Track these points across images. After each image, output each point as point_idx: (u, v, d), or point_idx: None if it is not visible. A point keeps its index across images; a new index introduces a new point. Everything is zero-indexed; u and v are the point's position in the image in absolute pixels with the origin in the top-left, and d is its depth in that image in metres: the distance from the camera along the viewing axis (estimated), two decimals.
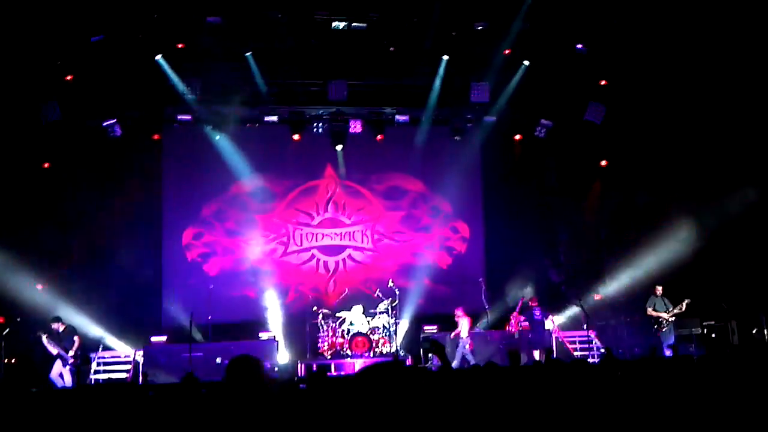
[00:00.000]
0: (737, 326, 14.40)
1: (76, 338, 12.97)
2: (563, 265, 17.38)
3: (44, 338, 12.55)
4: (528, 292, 15.68)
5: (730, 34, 13.56)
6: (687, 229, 15.07)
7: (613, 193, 16.58)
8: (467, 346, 14.27)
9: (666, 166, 15.37)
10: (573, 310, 15.61)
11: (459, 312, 14.81)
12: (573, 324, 15.80)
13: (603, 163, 16.97)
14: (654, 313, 14.42)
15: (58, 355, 12.69)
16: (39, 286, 13.44)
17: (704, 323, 14.85)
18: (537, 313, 14.77)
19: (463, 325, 14.60)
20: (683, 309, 14.23)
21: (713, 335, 14.69)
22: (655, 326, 14.40)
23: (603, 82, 16.01)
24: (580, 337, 15.34)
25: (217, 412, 4.27)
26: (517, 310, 14.85)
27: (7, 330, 12.91)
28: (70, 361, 12.73)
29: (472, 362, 13.28)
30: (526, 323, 14.66)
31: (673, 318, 14.31)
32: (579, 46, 15.24)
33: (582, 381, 4.00)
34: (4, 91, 13.62)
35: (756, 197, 14.27)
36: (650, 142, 15.55)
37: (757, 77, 13.88)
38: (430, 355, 14.12)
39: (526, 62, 15.75)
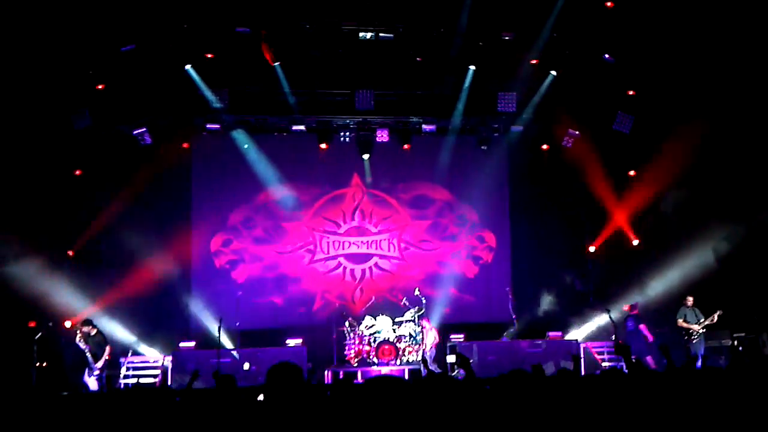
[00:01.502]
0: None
1: (107, 348, 13.00)
2: (591, 275, 17.27)
3: (78, 336, 12.65)
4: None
5: (757, 44, 13.45)
6: (718, 239, 14.94)
7: (641, 203, 16.45)
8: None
9: (695, 176, 15.24)
10: (601, 320, 15.49)
11: (426, 324, 14.91)
12: (601, 334, 15.69)
13: (631, 172, 16.85)
14: (685, 324, 14.26)
15: (87, 359, 12.80)
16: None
17: (735, 335, 14.70)
18: (630, 324, 14.76)
19: (429, 337, 14.73)
20: (714, 320, 14.07)
21: (743, 347, 14.51)
22: (686, 337, 14.25)
23: (631, 92, 15.94)
24: (608, 347, 15.22)
25: (253, 417, 4.33)
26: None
27: (39, 334, 13.11)
28: (96, 372, 12.77)
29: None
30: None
31: (704, 330, 14.16)
32: (606, 56, 15.20)
33: (611, 391, 4.01)
34: (37, 99, 13.87)
35: None
36: (679, 151, 15.42)
37: None
38: (456, 365, 14.10)
39: (554, 72, 15.73)
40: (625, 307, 15.43)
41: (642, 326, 14.64)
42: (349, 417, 4.10)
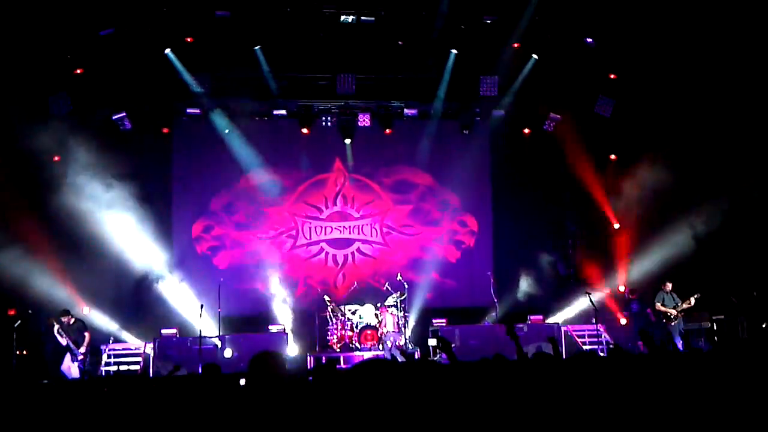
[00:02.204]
0: (747, 321, 14.38)
1: (86, 334, 13.11)
2: (572, 259, 17.37)
3: (56, 328, 12.65)
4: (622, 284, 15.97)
5: (740, 27, 13.51)
6: (696, 223, 15.06)
7: (621, 187, 16.54)
8: (397, 342, 14.56)
9: (675, 159, 15.32)
10: (582, 304, 15.59)
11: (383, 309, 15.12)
12: (582, 318, 15.81)
13: (612, 156, 16.93)
14: (662, 308, 14.40)
15: (68, 347, 12.79)
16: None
17: (714, 317, 14.85)
18: (635, 306, 15.02)
19: (388, 319, 14.81)
20: (692, 304, 14.20)
21: (722, 330, 14.67)
22: (664, 320, 14.39)
23: (612, 76, 15.98)
24: (589, 330, 15.33)
25: (235, 404, 4.32)
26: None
27: (19, 322, 13.02)
28: (80, 357, 12.84)
29: (400, 359, 13.49)
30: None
31: (682, 313, 14.30)
32: (588, 39, 15.22)
33: (590, 374, 4.04)
34: (14, 84, 13.68)
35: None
36: (660, 134, 15.52)
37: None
38: (437, 349, 14.15)
39: (535, 56, 15.74)
40: (623, 290, 15.69)
41: (648, 309, 14.92)
42: (332, 402, 4.09)
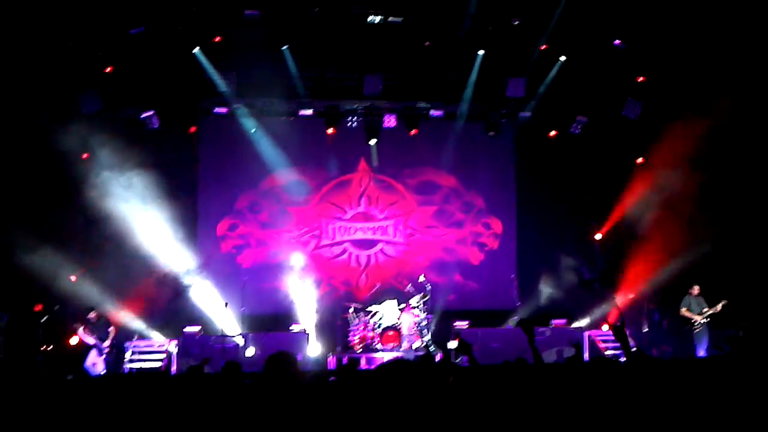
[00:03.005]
0: None
1: (111, 329, 13.32)
2: (596, 263, 17.22)
3: (80, 331, 12.81)
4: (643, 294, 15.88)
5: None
6: (723, 228, 14.86)
7: (648, 190, 16.37)
8: (413, 344, 14.66)
9: (704, 162, 15.14)
10: (606, 309, 15.47)
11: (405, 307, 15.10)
12: (606, 322, 15.66)
13: (639, 159, 16.77)
14: (687, 314, 14.16)
15: (95, 346, 12.95)
16: (72, 277, 13.64)
17: (741, 324, 14.63)
18: (656, 316, 15.00)
19: (406, 320, 14.89)
20: (718, 310, 13.99)
21: (748, 337, 14.44)
22: (688, 327, 14.18)
23: (640, 79, 15.83)
24: (612, 336, 15.18)
25: (253, 403, 4.34)
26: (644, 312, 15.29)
27: (46, 318, 13.18)
28: (106, 351, 13.02)
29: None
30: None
31: (707, 320, 14.08)
32: (617, 42, 15.09)
33: (611, 379, 3.99)
34: (44, 81, 13.85)
35: None
36: (687, 138, 15.33)
37: None
38: (458, 352, 14.10)
39: (563, 57, 15.64)
40: (643, 299, 15.59)
41: (664, 320, 14.84)
42: (353, 402, 4.09)
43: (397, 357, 14.13)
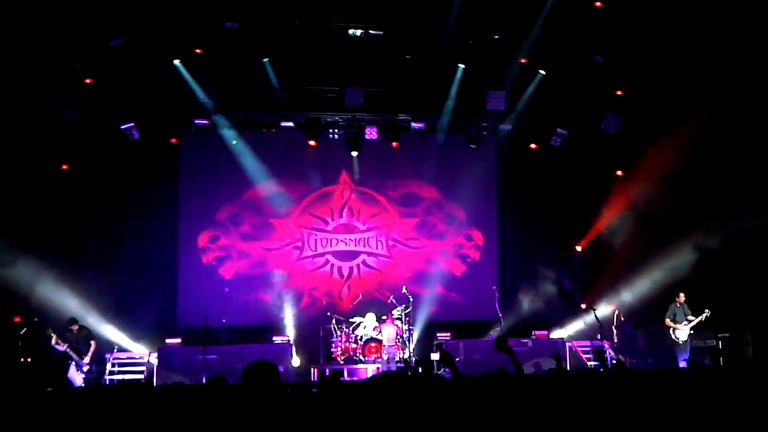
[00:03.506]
0: (752, 339, 14.28)
1: (92, 342, 13.16)
2: (578, 274, 17.33)
3: (53, 339, 12.65)
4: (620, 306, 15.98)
5: (746, 45, 13.52)
6: (703, 240, 15.01)
7: (628, 203, 16.54)
8: (394, 356, 14.66)
9: (682, 176, 15.31)
10: (588, 319, 15.57)
11: (387, 318, 15.12)
12: (587, 333, 15.76)
13: (618, 172, 16.93)
14: (671, 324, 14.27)
15: (66, 353, 12.80)
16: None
17: (719, 335, 14.76)
18: (628, 328, 15.27)
19: (387, 332, 14.84)
20: (703, 320, 14.08)
21: (728, 348, 14.58)
22: (672, 337, 14.26)
23: (619, 93, 16.01)
24: (593, 346, 15.28)
25: (233, 414, 4.34)
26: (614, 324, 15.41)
27: (24, 330, 13.06)
28: (85, 368, 12.89)
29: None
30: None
31: (692, 331, 14.18)
32: (596, 56, 15.25)
33: (590, 390, 4.03)
34: (25, 93, 13.78)
35: None
36: (665, 151, 15.51)
37: None
38: (441, 364, 14.13)
39: (542, 71, 15.79)
40: (616, 313, 15.69)
41: (638, 332, 14.98)
42: (336, 414, 4.10)
43: (380, 370, 14.16)
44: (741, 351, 14.30)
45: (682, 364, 13.74)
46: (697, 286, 14.65)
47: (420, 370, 14.27)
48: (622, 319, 15.59)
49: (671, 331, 14.26)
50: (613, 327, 15.48)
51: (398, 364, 14.49)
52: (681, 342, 14.17)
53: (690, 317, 14.20)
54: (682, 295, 14.41)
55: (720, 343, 14.72)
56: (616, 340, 15.46)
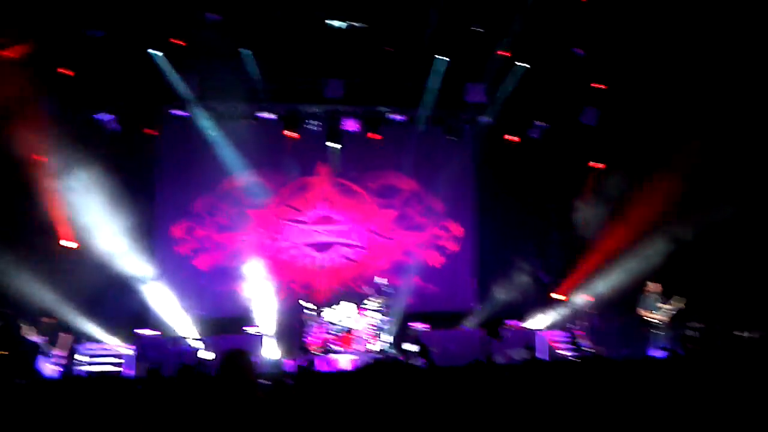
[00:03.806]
0: (722, 329, 14.44)
1: (63, 334, 13.07)
2: (554, 266, 17.44)
3: (22, 329, 12.57)
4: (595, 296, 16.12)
5: (729, 38, 13.64)
6: (677, 231, 15.16)
7: (604, 195, 16.67)
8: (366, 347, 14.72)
9: (660, 169, 15.46)
10: (561, 311, 15.69)
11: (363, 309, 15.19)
12: (561, 325, 15.88)
13: (597, 165, 17.04)
14: (646, 314, 14.37)
15: (38, 345, 12.72)
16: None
17: (689, 324, 14.91)
18: (595, 321, 15.62)
19: (361, 324, 14.98)
20: (675, 309, 14.17)
21: (697, 337, 14.73)
22: (649, 328, 14.35)
23: (599, 86, 16.09)
24: (566, 337, 15.42)
25: (208, 404, 4.32)
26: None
27: None
28: (61, 362, 12.81)
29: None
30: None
31: (666, 319, 14.26)
32: (576, 49, 15.31)
33: (565, 380, 4.07)
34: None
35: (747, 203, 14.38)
36: (645, 144, 15.65)
37: (757, 80, 13.96)
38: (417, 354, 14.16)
39: (523, 64, 15.82)
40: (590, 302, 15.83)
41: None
42: (312, 405, 4.10)
43: (356, 361, 14.18)
44: (712, 339, 14.45)
45: (658, 353, 13.86)
46: (672, 275, 14.77)
47: (397, 358, 14.36)
48: (592, 311, 15.67)
49: (646, 321, 14.34)
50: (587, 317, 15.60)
51: (374, 355, 14.51)
52: (656, 331, 14.26)
53: (663, 306, 14.29)
54: (652, 285, 14.46)
55: (692, 331, 14.86)
56: (589, 331, 15.58)
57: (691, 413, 4.12)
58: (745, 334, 13.92)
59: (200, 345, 13.79)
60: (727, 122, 14.55)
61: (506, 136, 17.14)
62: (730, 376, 4.25)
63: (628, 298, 15.25)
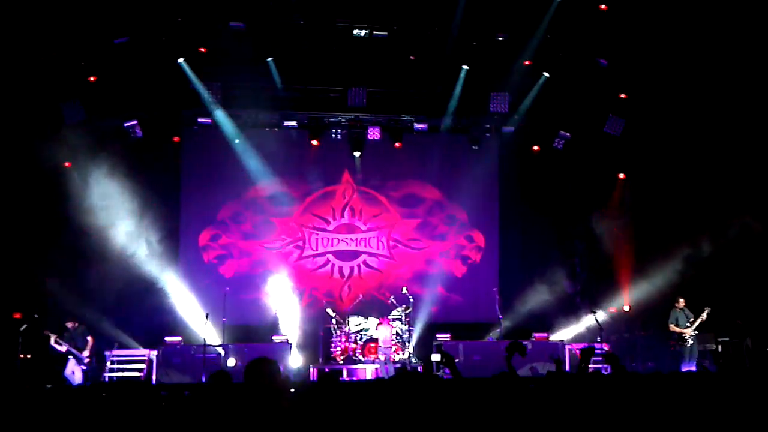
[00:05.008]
0: (752, 343, 14.26)
1: (89, 338, 13.24)
2: (579, 277, 17.31)
3: (52, 339, 12.73)
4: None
5: (749, 48, 13.53)
6: (705, 244, 15.01)
7: (630, 206, 16.57)
8: (390, 357, 14.60)
9: (685, 179, 15.34)
10: (588, 322, 15.55)
11: (383, 321, 15.05)
12: (588, 336, 15.73)
13: (621, 175, 16.96)
14: (677, 330, 14.18)
15: (68, 352, 12.87)
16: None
17: (719, 339, 14.74)
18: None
19: (382, 333, 14.82)
20: (704, 318, 14.00)
21: (728, 352, 14.55)
22: (679, 342, 14.17)
23: (623, 96, 16.01)
24: (602, 350, 15.26)
25: (234, 412, 4.33)
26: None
27: (25, 326, 13.06)
28: (86, 361, 12.96)
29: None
30: None
31: (697, 332, 14.10)
32: (600, 59, 15.25)
33: (591, 393, 4.03)
34: (28, 89, 13.79)
35: None
36: (669, 155, 15.55)
37: None
38: (441, 364, 14.10)
39: (546, 73, 15.79)
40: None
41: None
42: (334, 414, 4.09)
43: (378, 371, 14.16)
44: (741, 355, 14.28)
45: (690, 368, 13.70)
46: (700, 289, 14.63)
47: (420, 369, 14.33)
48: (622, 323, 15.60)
49: (677, 336, 14.17)
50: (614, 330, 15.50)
51: (396, 365, 14.48)
52: (688, 345, 14.08)
53: (692, 320, 14.14)
54: (681, 300, 14.37)
55: (720, 347, 14.70)
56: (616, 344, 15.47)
57: (718, 428, 4.07)
58: None
59: (223, 352, 13.84)
60: (752, 129, 14.42)
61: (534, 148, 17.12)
62: (759, 390, 4.19)
63: (653, 313, 15.11)
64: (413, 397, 4.15)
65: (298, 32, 14.64)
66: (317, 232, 17.18)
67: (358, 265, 17.21)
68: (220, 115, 15.81)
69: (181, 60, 14.82)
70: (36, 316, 13.47)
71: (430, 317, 16.38)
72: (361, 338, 15.03)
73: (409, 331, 15.27)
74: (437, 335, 15.30)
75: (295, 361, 14.71)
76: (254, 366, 4.32)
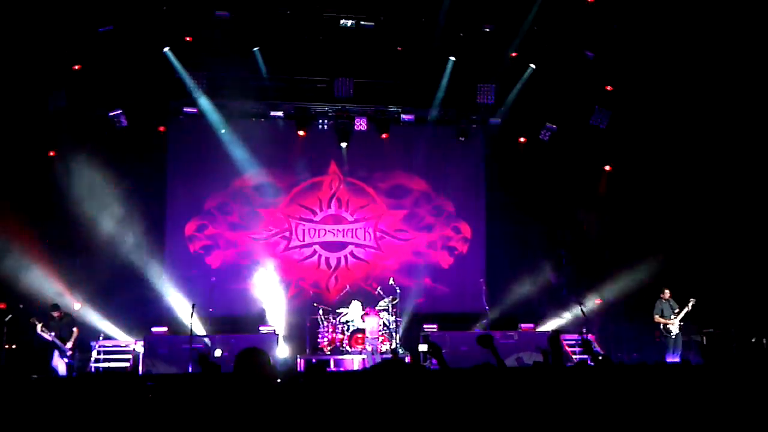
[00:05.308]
0: (736, 334, 14.38)
1: (74, 329, 13.16)
2: (564, 268, 17.39)
3: (38, 327, 12.65)
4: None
5: (734, 39, 13.61)
6: (689, 234, 15.12)
7: (616, 197, 16.65)
8: (377, 348, 14.64)
9: (670, 170, 15.44)
10: (573, 313, 15.63)
11: (370, 311, 15.06)
12: (573, 327, 15.82)
13: (607, 167, 17.04)
14: (662, 320, 14.28)
15: (53, 343, 12.80)
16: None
17: (704, 330, 14.86)
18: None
19: (370, 323, 14.83)
20: (690, 309, 14.08)
21: (713, 343, 14.66)
22: (664, 333, 14.27)
23: (609, 88, 16.07)
24: (579, 340, 15.34)
25: (223, 402, 4.33)
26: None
27: (9, 316, 13.00)
28: (68, 353, 12.88)
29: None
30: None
31: (682, 323, 14.18)
32: (586, 51, 15.29)
33: (578, 384, 4.06)
34: (12, 78, 13.68)
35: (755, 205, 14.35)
36: (655, 146, 15.64)
37: (760, 79, 13.93)
38: (428, 355, 14.15)
39: (533, 65, 15.82)
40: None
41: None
42: (322, 403, 4.10)
43: (365, 361, 14.18)
44: (727, 346, 14.39)
45: (675, 359, 13.79)
46: (685, 280, 14.73)
47: (406, 358, 14.36)
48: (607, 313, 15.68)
49: (662, 327, 14.25)
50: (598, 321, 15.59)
51: (383, 356, 14.50)
52: (673, 336, 14.16)
53: (677, 311, 14.23)
54: (666, 291, 14.45)
55: (705, 338, 14.81)
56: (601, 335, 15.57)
57: (705, 419, 4.11)
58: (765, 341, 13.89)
59: (210, 342, 13.82)
60: (736, 123, 14.53)
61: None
62: (746, 382, 4.24)
63: (640, 303, 15.19)
64: (400, 388, 4.16)
65: (284, 22, 14.57)
66: (304, 222, 17.16)
67: (345, 256, 17.21)
68: (206, 104, 15.73)
69: (166, 49, 14.73)
70: (21, 306, 13.41)
71: (416, 308, 16.43)
72: (348, 329, 15.04)
73: (396, 321, 15.29)
74: (424, 326, 15.34)
75: (282, 351, 14.72)
76: (245, 356, 4.32)
